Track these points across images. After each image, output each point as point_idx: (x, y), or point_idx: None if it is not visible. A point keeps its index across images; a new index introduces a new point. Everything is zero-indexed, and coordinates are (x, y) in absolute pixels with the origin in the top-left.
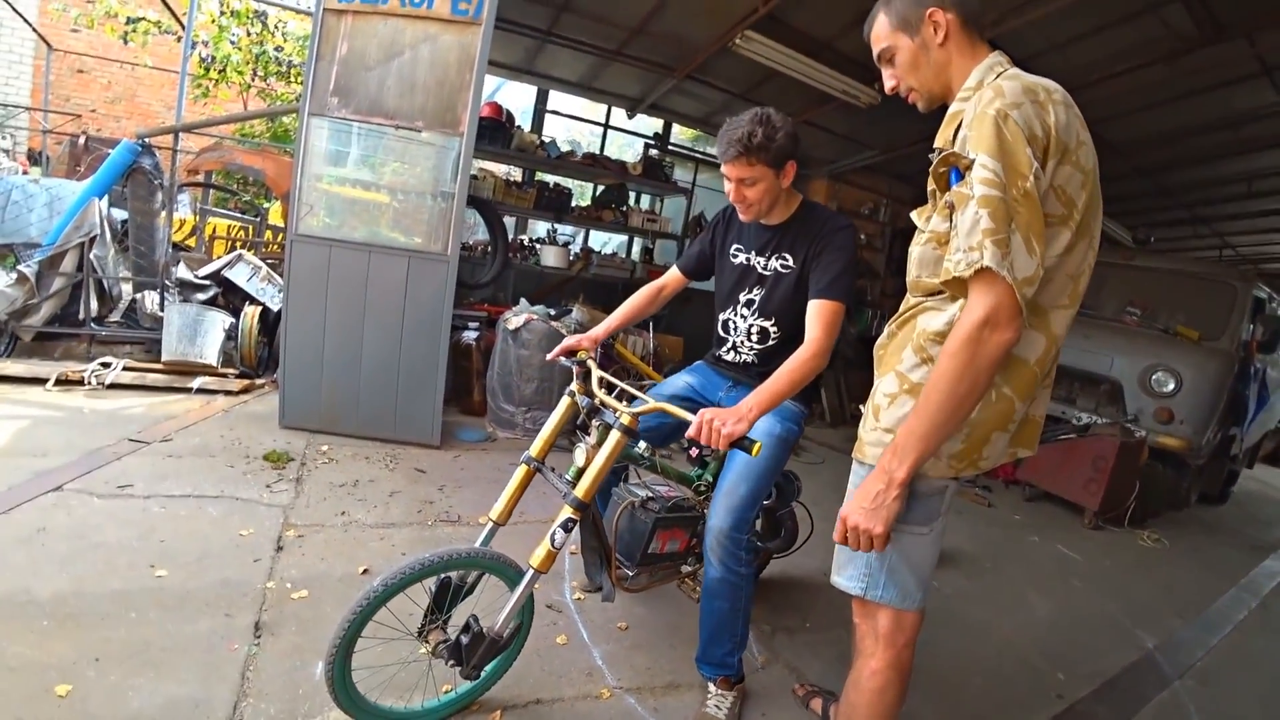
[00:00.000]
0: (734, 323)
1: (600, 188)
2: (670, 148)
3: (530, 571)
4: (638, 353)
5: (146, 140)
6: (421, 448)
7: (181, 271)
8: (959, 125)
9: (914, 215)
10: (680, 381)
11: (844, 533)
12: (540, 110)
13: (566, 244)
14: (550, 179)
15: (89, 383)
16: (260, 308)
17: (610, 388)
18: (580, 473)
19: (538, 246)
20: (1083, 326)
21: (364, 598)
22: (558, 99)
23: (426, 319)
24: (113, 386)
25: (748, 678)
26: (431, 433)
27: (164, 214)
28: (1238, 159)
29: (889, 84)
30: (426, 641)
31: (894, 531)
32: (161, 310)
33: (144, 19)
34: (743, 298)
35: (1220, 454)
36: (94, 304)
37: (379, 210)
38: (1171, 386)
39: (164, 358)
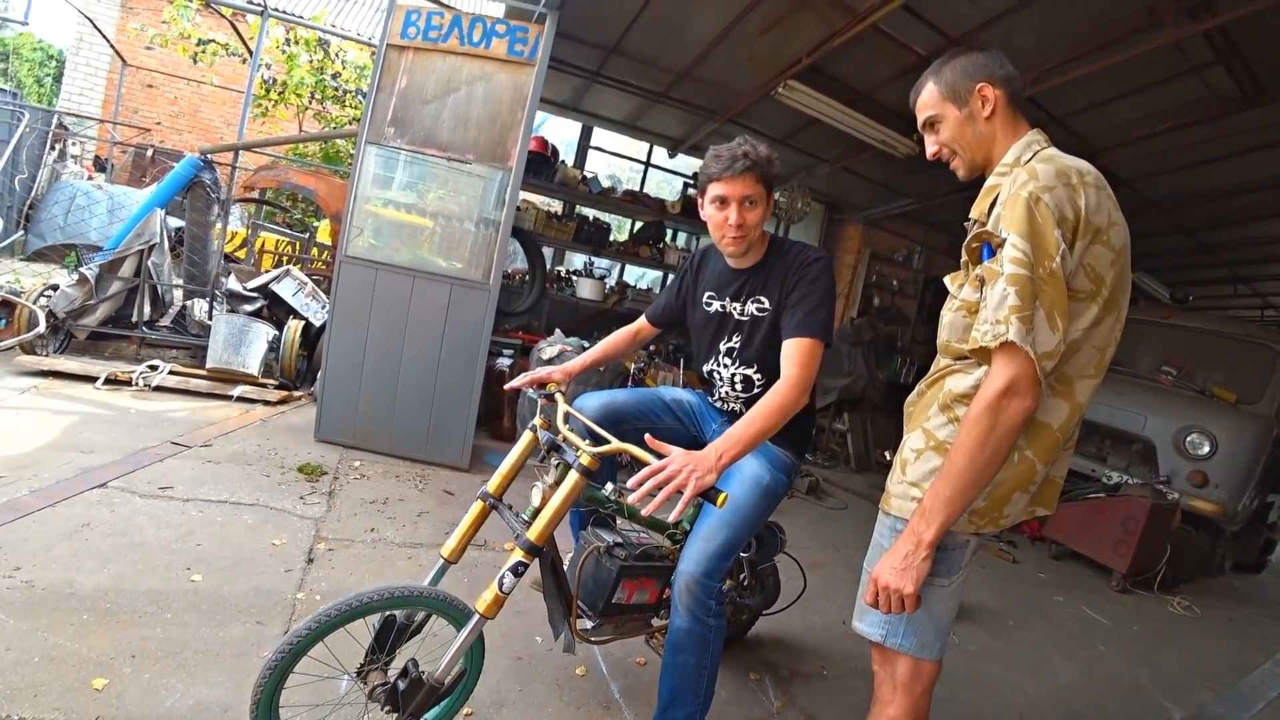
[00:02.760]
0: (718, 373)
1: (638, 224)
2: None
3: (475, 617)
4: (669, 384)
5: (209, 156)
6: (451, 470)
7: (231, 283)
8: (994, 199)
9: (947, 281)
10: (680, 396)
11: (875, 593)
12: (584, 146)
13: (603, 277)
14: (590, 213)
15: (136, 384)
16: (303, 322)
17: (585, 428)
18: (537, 513)
19: (574, 278)
20: (1116, 384)
21: (297, 633)
22: (601, 135)
23: (464, 344)
24: (158, 389)
25: None
26: (462, 456)
27: (219, 226)
28: (1268, 221)
29: (931, 149)
30: (365, 683)
31: None
32: (210, 318)
33: (214, 41)
34: (722, 347)
35: (1257, 520)
36: (147, 308)
37: (425, 237)
38: (1207, 449)
39: (208, 364)
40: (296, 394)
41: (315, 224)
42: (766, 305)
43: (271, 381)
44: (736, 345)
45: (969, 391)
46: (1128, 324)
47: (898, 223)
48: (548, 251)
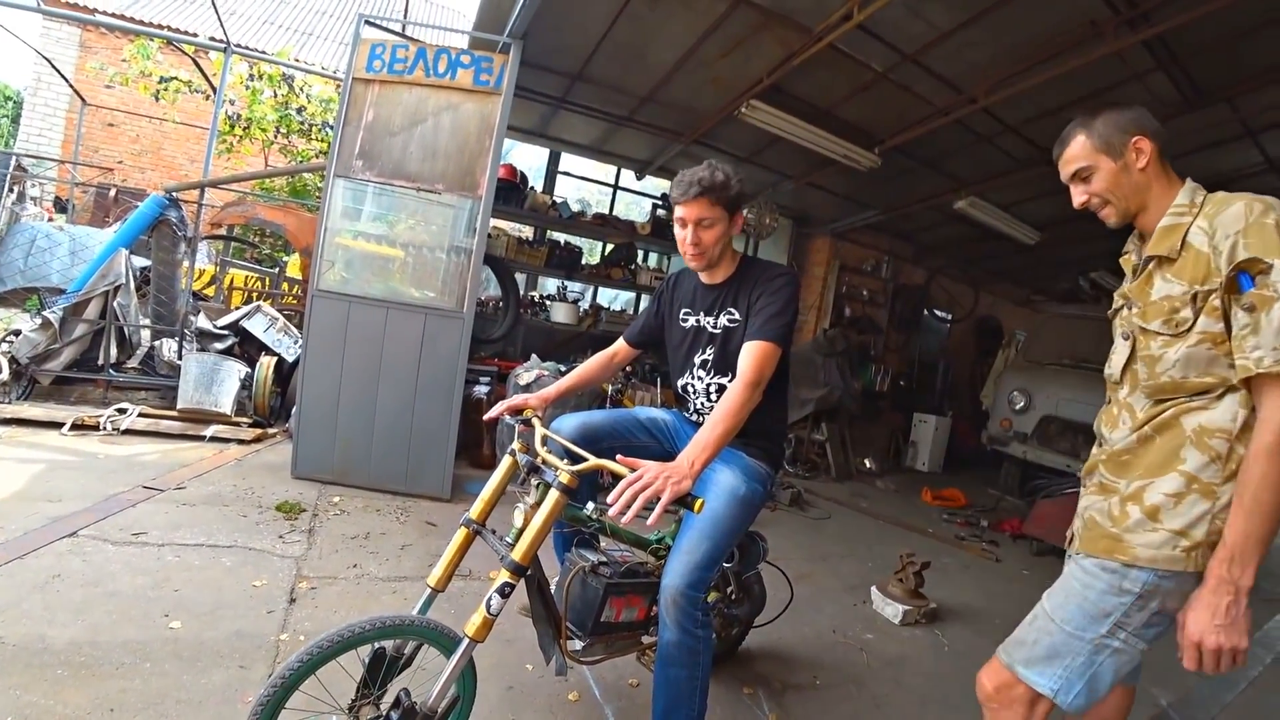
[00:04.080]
0: (693, 385)
1: (610, 246)
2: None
3: (465, 641)
4: (647, 404)
5: (174, 194)
6: (432, 501)
7: (201, 321)
8: (1182, 236)
9: (1153, 323)
10: (655, 415)
11: (1197, 657)
12: (552, 171)
13: (576, 300)
14: (561, 237)
15: (104, 428)
16: (275, 358)
17: (562, 449)
18: (520, 534)
19: (548, 303)
20: (1086, 380)
21: (289, 666)
22: (569, 160)
23: (441, 374)
24: (127, 432)
25: None
26: (443, 486)
27: (186, 265)
28: None
29: (1079, 199)
30: (357, 718)
31: (1121, 640)
32: (179, 358)
33: (176, 78)
34: (697, 359)
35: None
36: (114, 350)
37: (397, 268)
38: None
39: (179, 405)
40: (271, 431)
41: (285, 259)
42: (737, 317)
43: (245, 420)
44: (710, 357)
45: (1227, 425)
46: (1093, 321)
47: (865, 234)
48: (520, 277)
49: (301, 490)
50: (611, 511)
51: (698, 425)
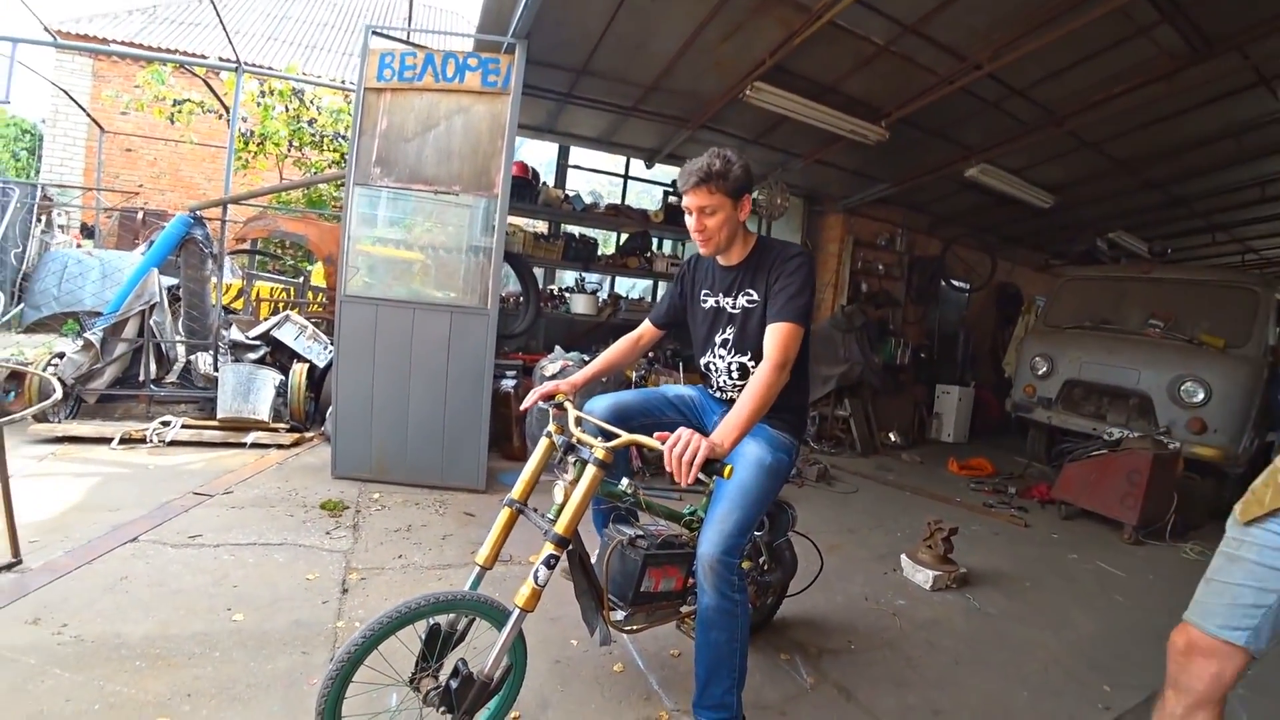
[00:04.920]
0: (714, 364)
1: (624, 236)
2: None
3: (516, 611)
4: None
5: (198, 213)
6: (468, 492)
7: (233, 333)
8: None
9: None
10: (682, 392)
11: None
12: (562, 165)
13: (595, 291)
14: (576, 230)
15: (151, 440)
16: (307, 365)
17: (595, 428)
18: (561, 510)
19: (567, 295)
20: (1107, 342)
21: (354, 642)
22: (579, 154)
23: (469, 370)
24: (173, 443)
25: (797, 698)
26: (477, 478)
27: (214, 280)
28: (1245, 165)
29: None
30: (418, 689)
31: None
32: (215, 370)
33: (189, 100)
34: (718, 339)
35: (1260, 461)
36: (153, 367)
37: (421, 270)
38: (1201, 396)
39: (219, 415)
40: (308, 435)
41: (308, 268)
42: (755, 298)
43: (282, 425)
44: (730, 336)
45: None
46: (1111, 281)
47: (877, 208)
48: (538, 271)
49: (343, 489)
50: (679, 480)
51: (722, 401)
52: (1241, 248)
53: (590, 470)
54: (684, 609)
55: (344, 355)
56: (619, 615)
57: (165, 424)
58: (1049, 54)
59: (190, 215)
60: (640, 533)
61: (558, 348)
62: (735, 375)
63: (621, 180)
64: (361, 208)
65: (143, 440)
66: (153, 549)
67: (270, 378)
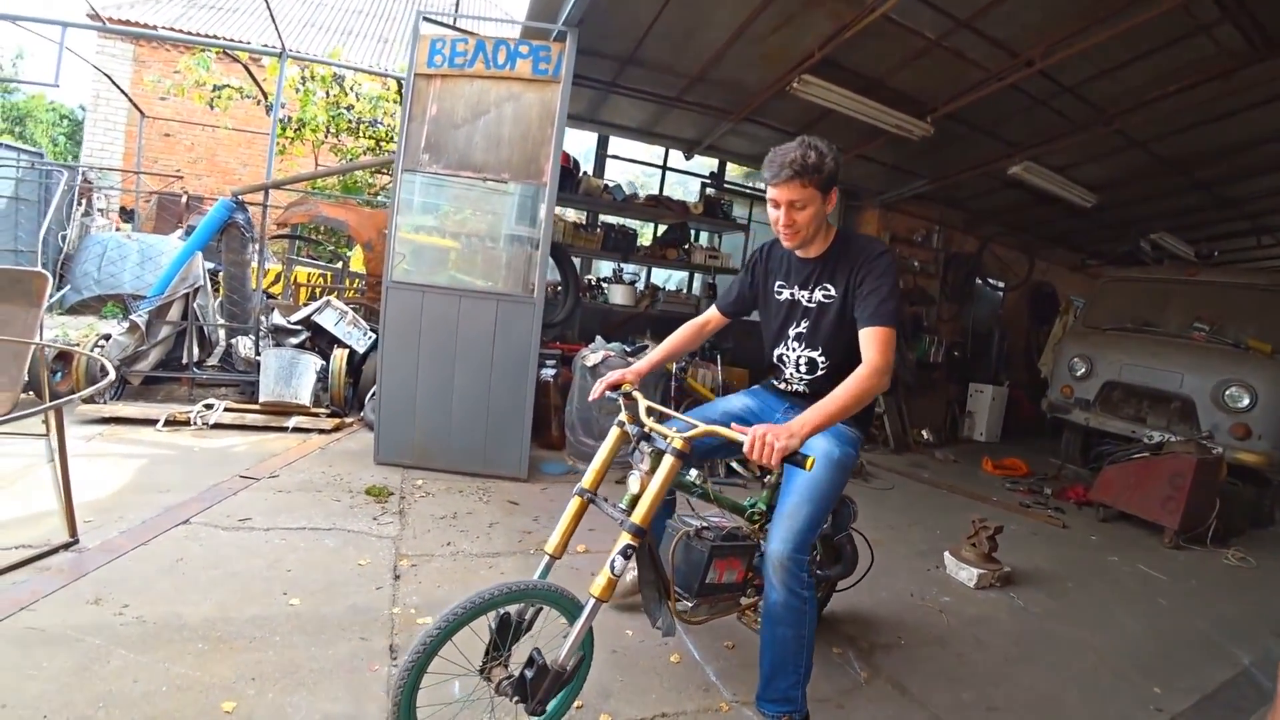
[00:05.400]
0: (786, 356)
1: (662, 227)
2: (726, 185)
3: (591, 601)
4: (707, 385)
5: (240, 197)
6: (511, 481)
7: (275, 318)
8: None
9: None
10: (737, 403)
11: None
12: (601, 155)
13: (633, 282)
14: (615, 220)
15: (195, 423)
16: (347, 350)
17: (661, 417)
18: (635, 500)
19: (605, 285)
20: (1149, 344)
21: (427, 635)
22: (617, 144)
23: (514, 358)
24: (216, 426)
25: (852, 691)
26: (520, 467)
27: (255, 265)
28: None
29: None
30: (489, 679)
31: None
32: (256, 354)
33: (228, 86)
34: (792, 332)
35: None
36: (196, 350)
37: (467, 257)
38: (1246, 401)
39: (261, 398)
40: (348, 421)
41: (347, 254)
42: (833, 293)
43: (323, 410)
44: (804, 330)
45: None
46: (1154, 284)
47: (914, 204)
48: (576, 261)
49: (386, 475)
50: (747, 448)
51: (785, 395)
52: (1228, 269)
53: (668, 460)
54: (744, 601)
55: (389, 341)
56: (684, 606)
57: (208, 407)
58: (1103, 51)
59: (232, 200)
60: (705, 524)
61: (599, 338)
62: (803, 369)
63: (660, 171)
64: (409, 194)
65: (186, 423)
66: (205, 531)
67: (312, 362)
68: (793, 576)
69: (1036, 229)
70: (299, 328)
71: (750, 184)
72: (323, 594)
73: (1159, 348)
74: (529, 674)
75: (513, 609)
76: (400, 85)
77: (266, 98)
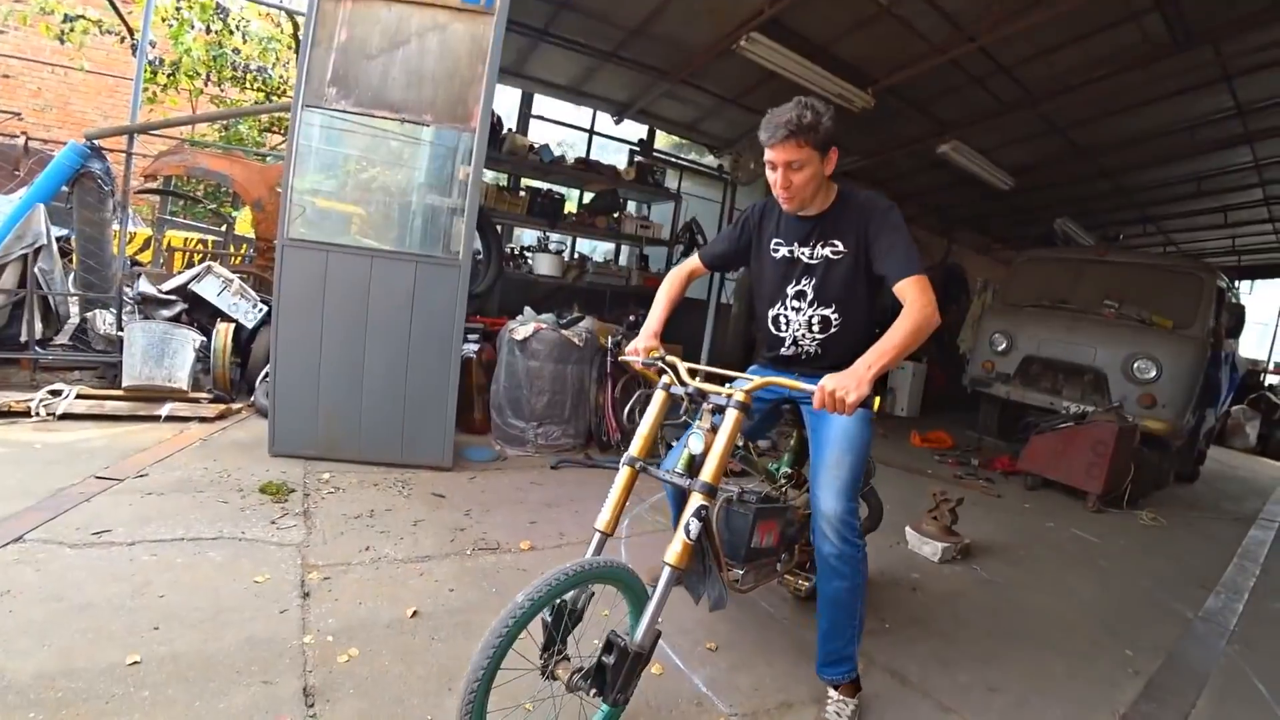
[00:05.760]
0: (785, 317)
1: (589, 195)
2: (655, 154)
3: (668, 570)
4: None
5: (96, 142)
6: (433, 471)
7: (143, 285)
8: None
9: None
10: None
11: None
12: (525, 114)
13: (560, 251)
14: (541, 185)
15: (37, 413)
16: (233, 325)
17: (707, 377)
18: (693, 461)
19: (529, 255)
20: (1065, 320)
21: (496, 633)
22: (543, 104)
23: (435, 330)
24: (64, 417)
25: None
26: (444, 454)
27: (116, 224)
28: (1189, 161)
29: None
30: (553, 677)
31: None
32: (118, 330)
33: (83, 18)
34: (790, 290)
35: (1193, 435)
36: (38, 325)
37: (381, 213)
38: (1153, 373)
39: (125, 382)
40: (235, 407)
41: (233, 215)
42: (841, 249)
43: (204, 395)
44: (809, 288)
45: None
46: (1068, 264)
47: (841, 181)
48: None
49: (284, 469)
50: (816, 401)
51: (796, 361)
52: (1164, 240)
53: (732, 414)
54: (779, 566)
55: (286, 310)
56: (735, 575)
57: (55, 393)
58: (1043, 31)
59: (87, 145)
60: (739, 490)
61: (528, 309)
62: (816, 328)
63: (587, 135)
64: (310, 135)
65: (26, 413)
66: (44, 551)
67: (189, 339)
68: (846, 526)
69: (950, 211)
70: (173, 298)
71: (681, 154)
72: (209, 625)
73: (1074, 323)
74: (609, 661)
75: (569, 596)
76: (297, 26)
77: (133, 35)
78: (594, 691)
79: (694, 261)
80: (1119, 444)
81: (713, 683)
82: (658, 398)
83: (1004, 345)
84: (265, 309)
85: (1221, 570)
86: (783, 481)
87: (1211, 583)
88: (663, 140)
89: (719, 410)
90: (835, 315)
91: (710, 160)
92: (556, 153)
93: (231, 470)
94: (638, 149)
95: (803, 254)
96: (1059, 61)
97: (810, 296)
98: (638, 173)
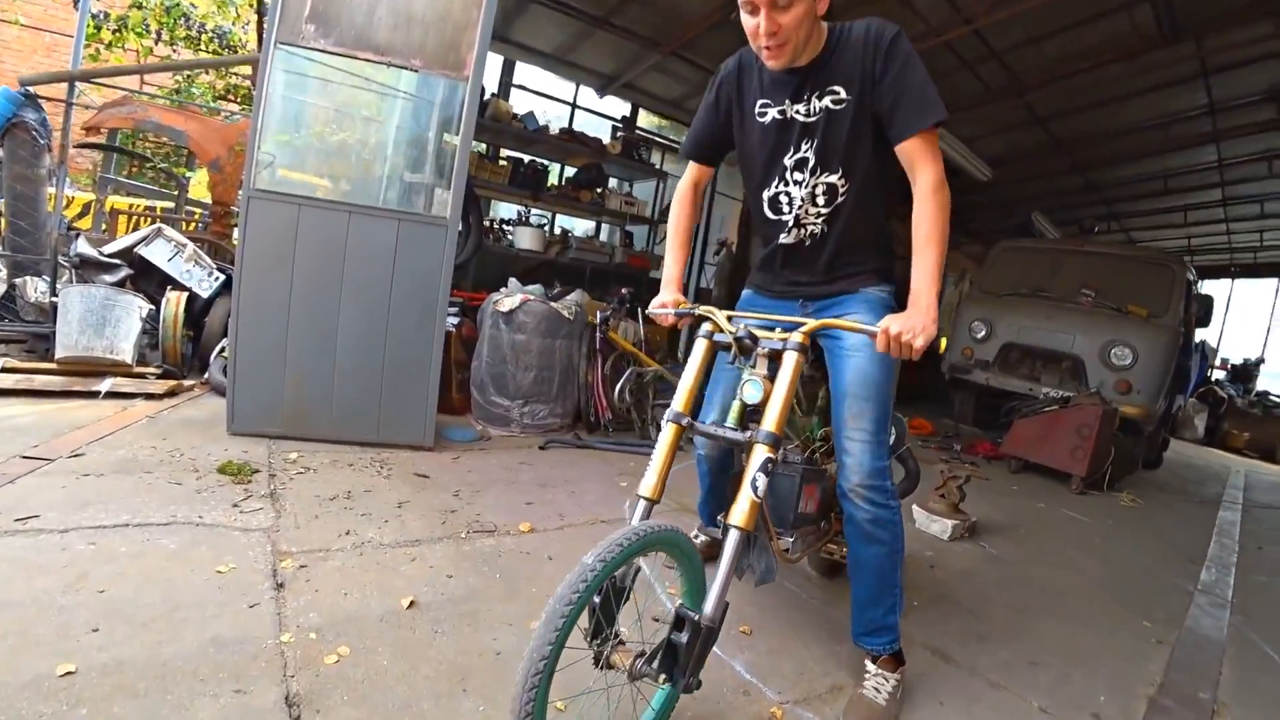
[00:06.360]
0: (787, 194)
1: (571, 169)
2: (638, 131)
3: (735, 534)
4: (629, 339)
5: (31, 90)
6: (414, 451)
7: (82, 247)
8: None
9: None
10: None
11: None
12: (506, 83)
13: (542, 225)
14: (524, 156)
15: None
16: (185, 294)
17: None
18: (744, 413)
19: (509, 228)
20: (1044, 309)
21: (575, 586)
22: (525, 72)
23: (419, 295)
24: None
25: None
26: (424, 433)
27: (52, 181)
28: (1159, 158)
29: None
30: (609, 665)
31: None
32: (52, 296)
33: None
34: (789, 161)
35: (1163, 421)
36: None
37: (360, 166)
38: (1129, 360)
39: (59, 354)
40: (187, 384)
41: (187, 176)
42: (843, 96)
43: (151, 370)
44: (810, 153)
45: None
46: (1045, 253)
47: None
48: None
49: (246, 448)
50: (880, 345)
51: (792, 252)
52: (1126, 237)
53: (792, 357)
54: (819, 535)
55: (250, 270)
56: (785, 543)
57: None
58: (1037, 16)
59: (21, 92)
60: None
61: (513, 280)
62: (821, 202)
63: (569, 109)
64: (283, 79)
65: None
66: None
67: (135, 306)
68: (878, 487)
69: None
70: (117, 262)
71: (664, 135)
72: (162, 625)
73: (1052, 311)
74: (680, 639)
75: (618, 573)
76: None
77: None
78: (664, 677)
79: (688, 172)
80: (1102, 427)
81: (755, 669)
82: (700, 348)
83: (983, 332)
84: (223, 278)
85: (1205, 547)
86: (820, 444)
87: (1200, 558)
88: (644, 121)
89: (774, 356)
90: (842, 181)
91: None
92: (541, 122)
93: (185, 450)
94: (620, 125)
95: (797, 112)
96: (1049, 49)
97: (813, 163)
98: (623, 147)
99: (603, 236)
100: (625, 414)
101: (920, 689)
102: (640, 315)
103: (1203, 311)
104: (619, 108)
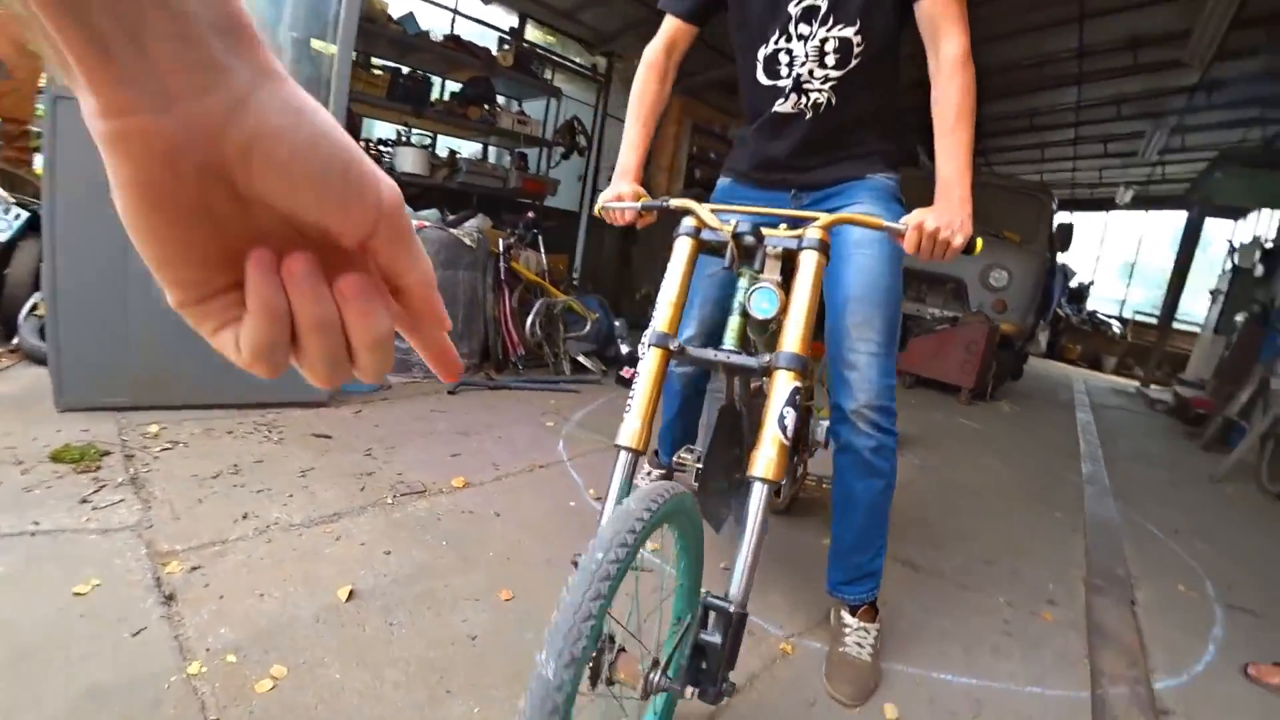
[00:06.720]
0: (788, 50)
1: (455, 84)
2: (525, 45)
3: (761, 487)
4: (532, 269)
5: None
6: (306, 408)
7: None
8: None
9: None
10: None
11: None
12: None
13: (425, 146)
14: (403, 66)
15: None
16: None
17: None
18: (745, 333)
19: (388, 149)
20: None
21: (604, 567)
22: None
23: None
24: None
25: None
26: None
27: None
28: (1030, 96)
29: None
30: (612, 683)
31: None
32: None
33: None
34: (794, 11)
35: (1030, 336)
36: None
37: None
38: (1006, 282)
39: None
40: None
41: None
42: None
43: None
44: (819, 1)
45: None
46: (927, 182)
47: (717, 93)
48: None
49: (84, 426)
50: (910, 245)
51: (787, 123)
52: (988, 170)
53: (811, 257)
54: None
55: (65, 203)
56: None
57: None
58: None
59: None
60: None
61: (406, 206)
62: (831, 62)
63: (450, 15)
64: None
65: None
66: None
67: None
68: (886, 410)
69: None
70: None
71: (556, 52)
72: (7, 685)
73: None
74: (712, 640)
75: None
76: None
77: None
78: (692, 691)
79: (668, 26)
80: (987, 344)
81: (752, 607)
82: (683, 249)
83: None
84: (26, 216)
85: (1076, 444)
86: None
87: (1076, 454)
88: (534, 35)
89: (789, 257)
90: (859, 37)
91: (584, 60)
92: (422, 27)
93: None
94: (508, 37)
95: None
96: None
97: (824, 9)
98: (516, 59)
99: (491, 158)
100: (537, 349)
101: (905, 599)
102: (541, 244)
103: (1064, 238)
104: (505, 20)
